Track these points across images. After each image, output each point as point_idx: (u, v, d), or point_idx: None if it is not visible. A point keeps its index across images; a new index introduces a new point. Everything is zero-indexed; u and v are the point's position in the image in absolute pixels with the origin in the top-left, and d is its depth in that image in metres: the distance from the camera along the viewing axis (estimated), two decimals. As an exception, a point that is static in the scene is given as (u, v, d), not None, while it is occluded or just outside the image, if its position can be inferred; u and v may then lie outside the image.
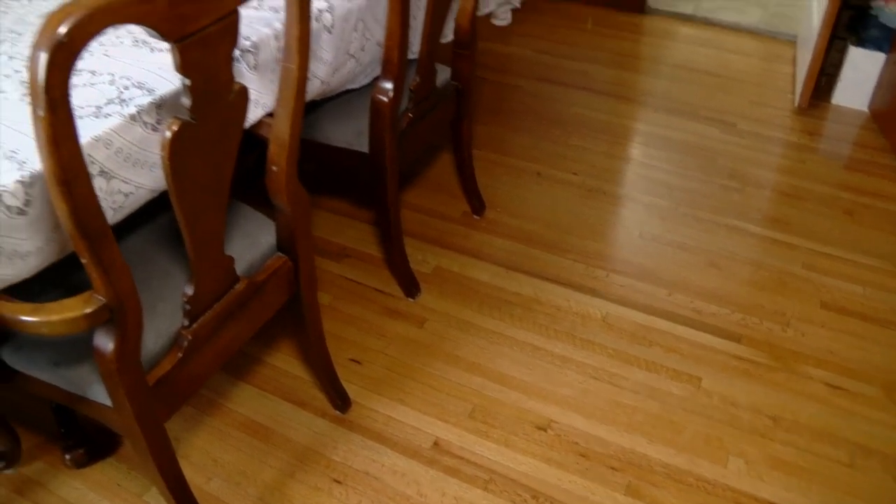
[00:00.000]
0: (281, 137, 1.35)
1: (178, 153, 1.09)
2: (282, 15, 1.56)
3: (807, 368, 1.96)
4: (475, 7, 2.05)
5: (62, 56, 0.86)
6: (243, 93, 1.19)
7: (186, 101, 1.07)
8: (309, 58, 1.31)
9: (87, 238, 1.01)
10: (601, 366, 1.96)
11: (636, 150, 2.84)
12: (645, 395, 1.89)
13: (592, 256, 2.32)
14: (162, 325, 1.32)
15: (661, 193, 2.60)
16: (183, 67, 1.04)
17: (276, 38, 1.53)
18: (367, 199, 2.54)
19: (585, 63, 3.42)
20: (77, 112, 1.02)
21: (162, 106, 1.29)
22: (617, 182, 2.66)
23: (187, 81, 1.06)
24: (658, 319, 2.10)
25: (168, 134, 1.06)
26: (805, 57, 3.10)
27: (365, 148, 1.89)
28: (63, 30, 0.85)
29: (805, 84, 3.04)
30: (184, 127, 1.07)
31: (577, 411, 1.85)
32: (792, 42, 3.65)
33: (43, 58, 0.84)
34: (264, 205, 1.52)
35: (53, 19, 0.85)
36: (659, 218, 2.48)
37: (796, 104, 3.11)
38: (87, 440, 1.73)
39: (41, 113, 0.87)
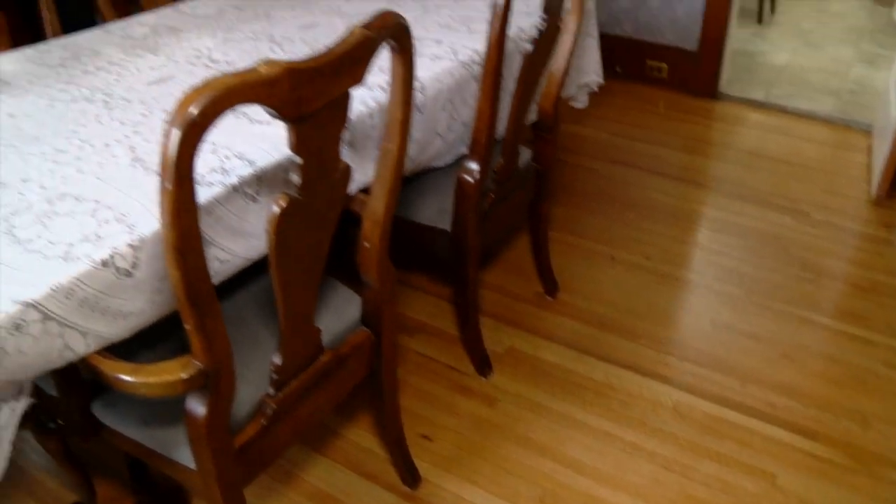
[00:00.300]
0: (376, 214, 1.38)
1: (284, 228, 1.12)
2: (375, 93, 1.60)
3: (891, 473, 1.88)
4: (559, 91, 2.08)
5: (193, 133, 0.90)
6: (347, 171, 1.23)
7: (296, 178, 1.10)
8: (408, 139, 1.35)
9: (195, 305, 1.04)
10: (672, 456, 1.92)
11: (708, 237, 2.82)
12: (717, 489, 1.84)
13: (664, 343, 2.29)
14: (248, 391, 1.34)
15: (733, 281, 2.57)
16: (296, 147, 1.07)
17: (371, 115, 1.57)
18: (445, 275, 2.56)
19: (658, 146, 3.44)
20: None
21: (262, 178, 1.34)
22: (689, 268, 2.64)
23: (299, 160, 1.09)
24: (730, 411, 2.06)
25: (276, 209, 1.10)
26: (882, 147, 3.07)
27: (447, 226, 1.91)
28: (195, 110, 0.89)
29: (883, 175, 3.00)
30: (292, 203, 1.11)
31: (647, 502, 1.81)
32: (866, 131, 3.62)
33: (176, 135, 0.89)
34: (346, 278, 1.55)
35: (187, 99, 0.90)
36: (731, 306, 2.45)
37: (873, 195, 3.07)
38: (158, 496, 1.75)
39: (169, 186, 0.91)
